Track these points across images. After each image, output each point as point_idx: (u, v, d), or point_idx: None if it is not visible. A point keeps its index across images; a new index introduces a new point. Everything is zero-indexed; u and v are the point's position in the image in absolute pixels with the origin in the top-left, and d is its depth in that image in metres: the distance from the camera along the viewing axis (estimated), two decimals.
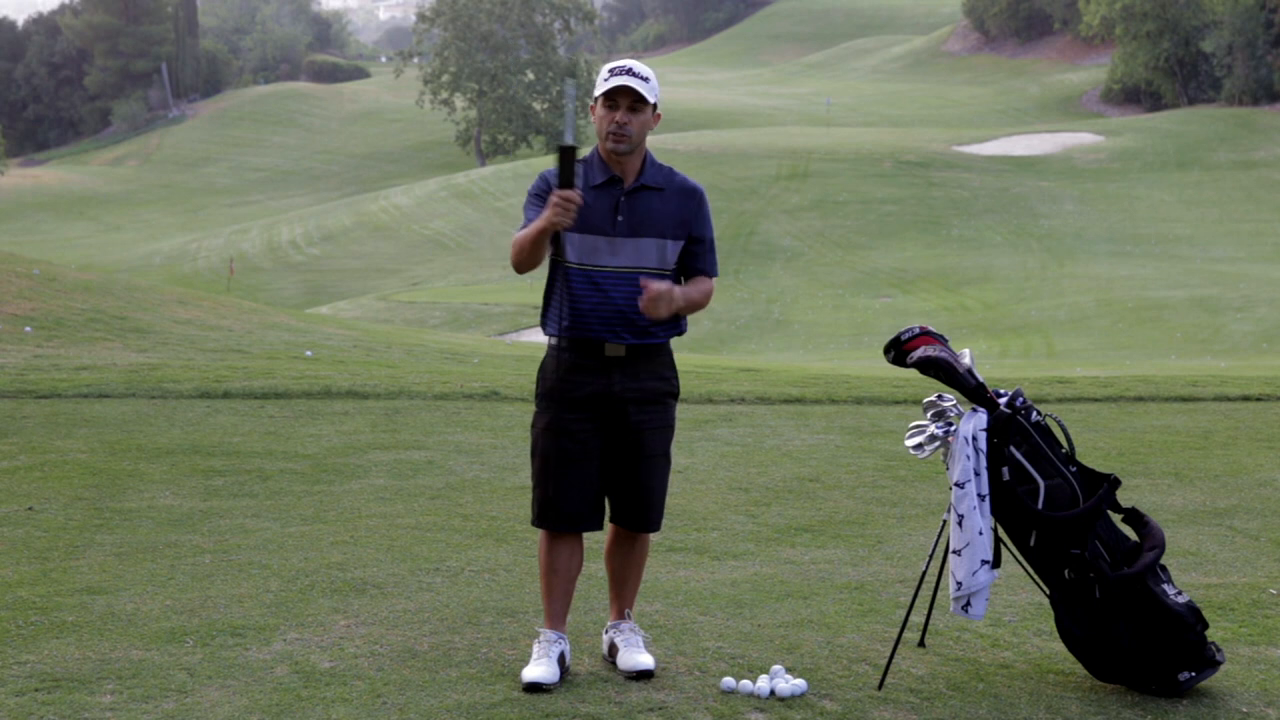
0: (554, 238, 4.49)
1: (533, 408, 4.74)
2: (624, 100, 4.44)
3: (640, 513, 4.67)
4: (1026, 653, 4.94)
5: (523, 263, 4.50)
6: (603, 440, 4.56)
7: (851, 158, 59.07)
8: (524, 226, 4.52)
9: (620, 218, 4.50)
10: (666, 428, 4.66)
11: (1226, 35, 72.58)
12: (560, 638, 4.59)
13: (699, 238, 4.58)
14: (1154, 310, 34.58)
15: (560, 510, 4.57)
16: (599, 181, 4.53)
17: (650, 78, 4.47)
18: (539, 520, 4.63)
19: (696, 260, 4.61)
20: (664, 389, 4.62)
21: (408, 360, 16.31)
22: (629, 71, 4.46)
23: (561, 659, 4.54)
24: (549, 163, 4.85)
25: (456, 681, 4.49)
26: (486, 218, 53.73)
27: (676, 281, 4.61)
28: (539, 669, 4.44)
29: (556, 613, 4.65)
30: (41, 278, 18.25)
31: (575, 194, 4.31)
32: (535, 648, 4.56)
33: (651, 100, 4.46)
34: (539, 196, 4.53)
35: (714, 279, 4.66)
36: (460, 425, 9.85)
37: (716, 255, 4.66)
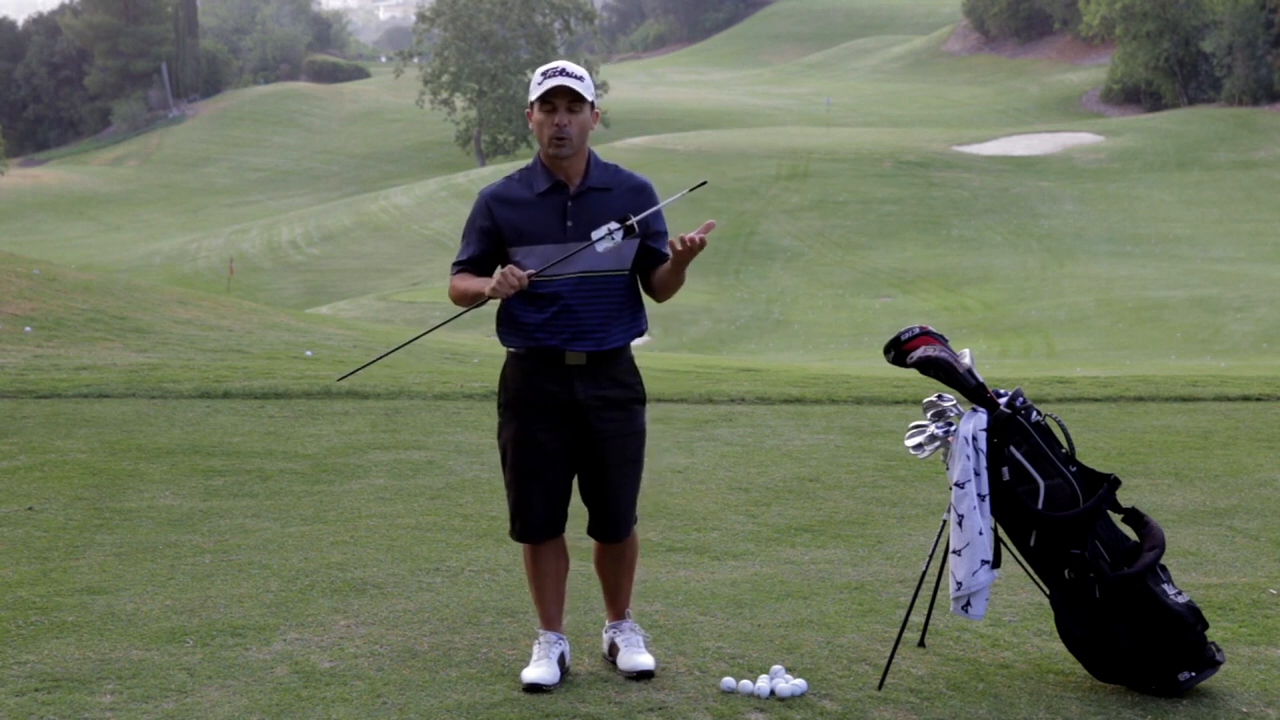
0: (504, 257, 4.50)
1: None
2: (561, 101, 4.38)
3: (607, 523, 4.62)
4: (1026, 653, 4.94)
5: (462, 307, 4.53)
6: (569, 448, 4.52)
7: (851, 158, 59.07)
8: (461, 258, 4.51)
9: (569, 223, 4.43)
10: (635, 434, 4.58)
11: (1226, 35, 72.57)
12: (560, 639, 4.58)
13: (656, 231, 4.51)
14: (1154, 310, 34.58)
15: (532, 523, 4.56)
16: (543, 189, 4.46)
17: (585, 76, 4.41)
18: (511, 530, 4.63)
19: (660, 254, 4.54)
20: (627, 395, 4.56)
21: (408, 360, 16.30)
22: (562, 72, 4.39)
23: (561, 660, 4.54)
24: None
25: (456, 681, 4.49)
26: None
27: (634, 280, 4.56)
28: (539, 670, 4.44)
29: (552, 615, 4.64)
30: (41, 278, 18.25)
31: (525, 278, 4.31)
32: (535, 649, 4.56)
33: (589, 99, 4.40)
34: (483, 231, 4.49)
35: None
36: (460, 425, 9.85)
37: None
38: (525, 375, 4.51)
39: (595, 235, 4.34)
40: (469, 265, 4.52)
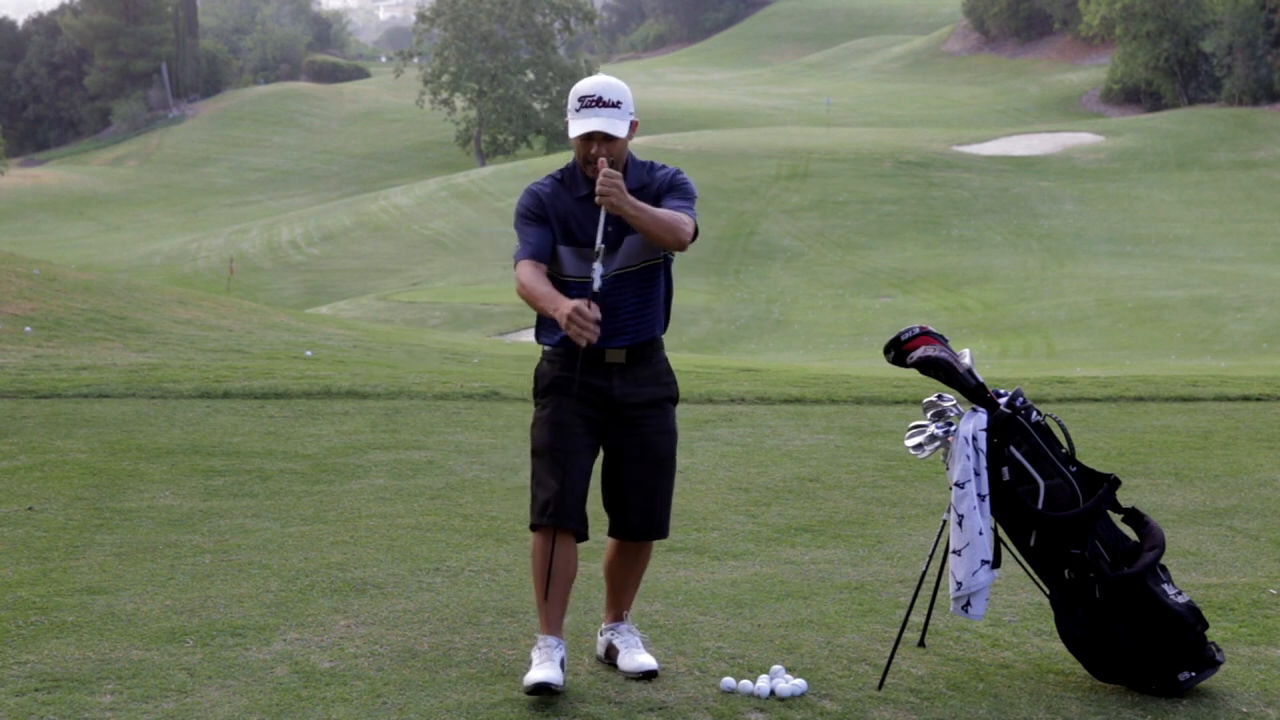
0: (553, 251, 4.48)
1: (533, 409, 4.65)
2: (597, 136, 4.39)
3: (648, 521, 4.58)
4: (1026, 653, 4.94)
5: (528, 303, 4.46)
6: (599, 438, 4.51)
7: (851, 158, 59.06)
8: (525, 244, 4.45)
9: (610, 229, 4.41)
10: (668, 432, 4.60)
11: (1226, 35, 72.57)
12: (560, 643, 4.47)
13: (674, 190, 4.50)
14: (1154, 310, 34.58)
15: (567, 503, 4.41)
16: (583, 194, 4.48)
17: (622, 100, 4.39)
18: (542, 517, 4.42)
19: (665, 205, 4.47)
20: (663, 394, 4.58)
21: (408, 360, 16.31)
22: (599, 101, 4.38)
23: (561, 664, 4.45)
24: (547, 165, 4.77)
25: (456, 681, 4.49)
26: (486, 218, 53.72)
27: (666, 268, 4.57)
28: (545, 670, 4.33)
29: (555, 618, 4.50)
30: (41, 278, 18.25)
31: (594, 316, 4.21)
32: (535, 653, 4.44)
33: (625, 130, 4.39)
34: (540, 219, 4.47)
35: (691, 219, 4.42)
36: (460, 425, 9.84)
37: (695, 212, 4.48)
38: (565, 369, 4.50)
39: (594, 285, 4.34)
40: (534, 251, 4.46)
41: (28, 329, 15.16)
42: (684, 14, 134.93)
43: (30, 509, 6.88)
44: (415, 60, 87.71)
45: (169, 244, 57.95)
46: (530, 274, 4.43)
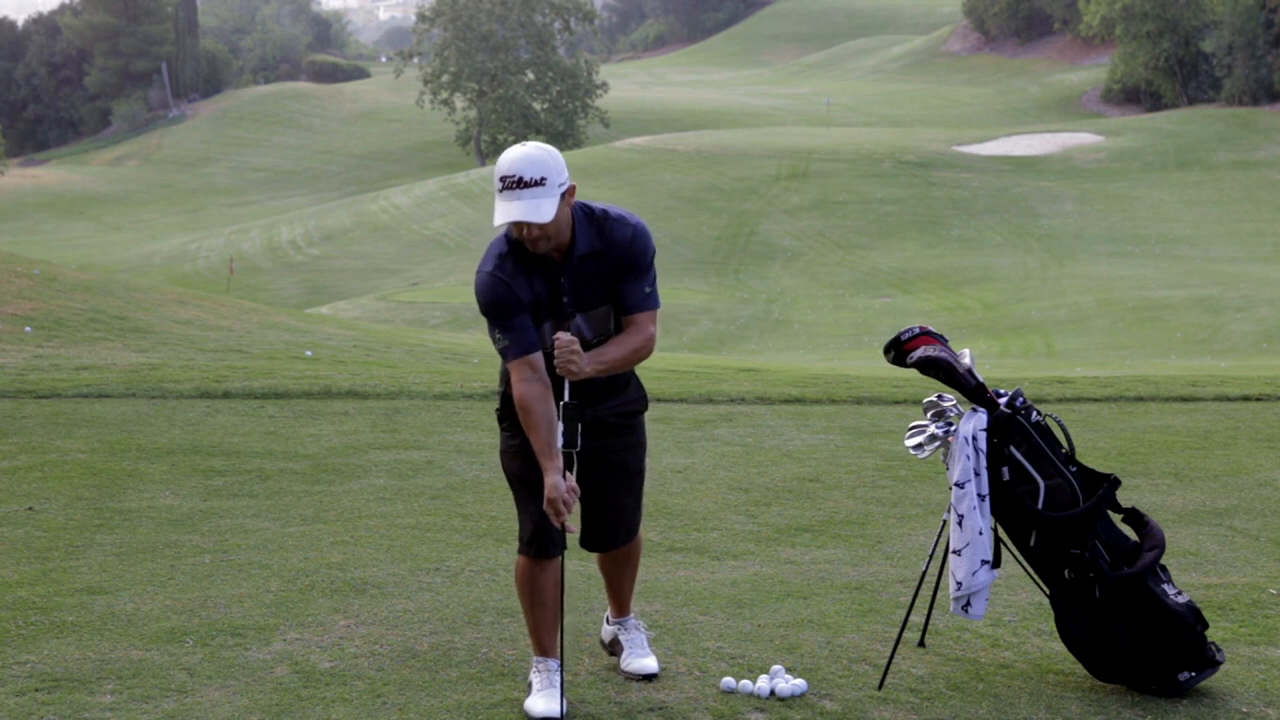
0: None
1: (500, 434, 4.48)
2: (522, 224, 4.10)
3: (607, 534, 4.51)
4: (1026, 653, 4.94)
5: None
6: (571, 459, 4.34)
7: (851, 158, 59.10)
8: (515, 350, 4.16)
9: (565, 299, 4.24)
10: (637, 447, 4.52)
11: (1226, 35, 72.67)
12: (557, 665, 4.37)
13: (632, 267, 4.25)
14: (1154, 310, 34.59)
15: (546, 535, 4.33)
16: (535, 265, 4.21)
17: (546, 176, 4.04)
18: (529, 548, 4.36)
19: (625, 296, 4.26)
20: (633, 409, 4.50)
21: (408, 360, 16.30)
22: (519, 182, 4.04)
23: (561, 687, 4.32)
24: None
25: (456, 681, 4.49)
26: (486, 218, 53.68)
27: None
28: (546, 701, 4.24)
29: (551, 641, 4.41)
30: (41, 278, 18.25)
31: (572, 496, 4.11)
32: (534, 678, 4.36)
33: (552, 211, 4.05)
34: (515, 306, 4.15)
35: (653, 312, 4.30)
36: (460, 425, 9.84)
37: (655, 288, 4.28)
38: None
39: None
40: (526, 345, 4.18)
41: (28, 329, 15.16)
42: (684, 14, 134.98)
43: (30, 509, 6.88)
44: (415, 60, 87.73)
45: (169, 244, 57.95)
46: (536, 399, 4.14)
